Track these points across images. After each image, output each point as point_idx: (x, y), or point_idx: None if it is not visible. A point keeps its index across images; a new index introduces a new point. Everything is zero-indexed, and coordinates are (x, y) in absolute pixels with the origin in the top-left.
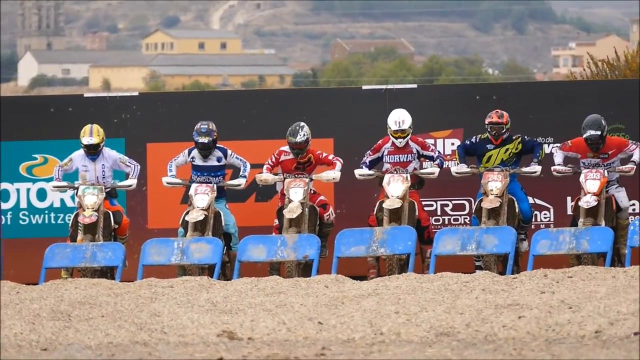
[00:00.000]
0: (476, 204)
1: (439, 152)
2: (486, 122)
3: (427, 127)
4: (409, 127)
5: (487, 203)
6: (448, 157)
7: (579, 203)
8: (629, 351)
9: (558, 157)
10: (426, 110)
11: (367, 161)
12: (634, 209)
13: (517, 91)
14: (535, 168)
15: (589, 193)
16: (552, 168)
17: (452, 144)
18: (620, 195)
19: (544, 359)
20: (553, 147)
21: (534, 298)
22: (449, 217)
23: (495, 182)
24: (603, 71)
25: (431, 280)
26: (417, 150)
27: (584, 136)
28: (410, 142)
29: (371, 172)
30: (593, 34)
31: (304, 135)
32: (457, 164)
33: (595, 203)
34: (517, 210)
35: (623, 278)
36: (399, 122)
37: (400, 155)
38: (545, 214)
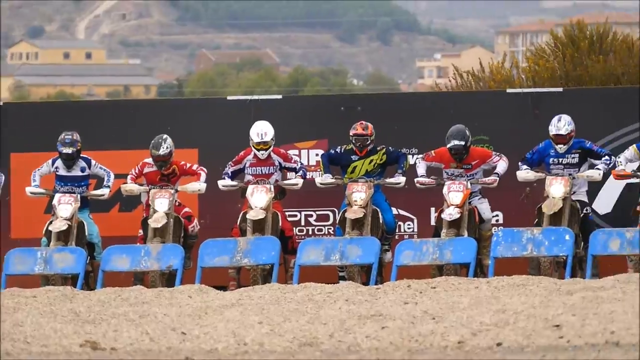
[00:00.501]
0: (340, 214)
1: (302, 164)
2: (351, 134)
3: (292, 138)
4: (271, 139)
5: (351, 213)
6: (312, 167)
7: (442, 215)
8: None
9: (421, 168)
10: (291, 121)
11: (230, 172)
12: (497, 220)
13: (381, 102)
14: (399, 179)
15: (452, 205)
16: (415, 180)
17: (317, 154)
18: (483, 206)
19: None
20: (417, 158)
21: (397, 308)
22: (313, 227)
23: (359, 193)
24: (468, 82)
25: (295, 291)
26: (280, 163)
27: (448, 146)
28: (272, 154)
29: (234, 183)
30: (458, 45)
31: (167, 147)
32: (322, 174)
33: (458, 215)
34: (381, 221)
35: (486, 289)
36: (261, 134)
37: (262, 168)
38: (409, 224)
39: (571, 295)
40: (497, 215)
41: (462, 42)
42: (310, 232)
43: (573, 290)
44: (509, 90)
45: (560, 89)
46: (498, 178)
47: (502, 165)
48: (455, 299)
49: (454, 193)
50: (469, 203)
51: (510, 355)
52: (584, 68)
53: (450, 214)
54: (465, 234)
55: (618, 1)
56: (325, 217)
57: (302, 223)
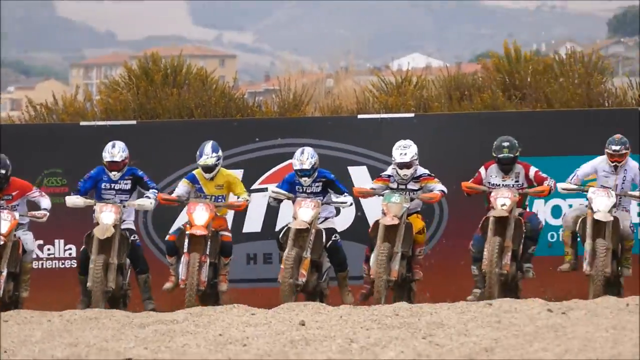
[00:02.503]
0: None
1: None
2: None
3: None
4: None
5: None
6: None
7: None
8: None
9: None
10: None
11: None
12: None
13: None
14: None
15: None
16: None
17: None
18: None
19: None
20: None
21: None
22: None
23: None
24: (41, 114)
25: None
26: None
27: None
28: None
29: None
30: (33, 77)
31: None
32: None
33: None
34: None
35: (58, 322)
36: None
37: None
38: None
39: (143, 328)
40: None
41: (36, 74)
42: None
43: (146, 323)
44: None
45: (134, 122)
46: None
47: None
48: (27, 332)
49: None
50: None
51: None
52: (158, 101)
53: None
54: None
55: (194, 34)
56: None
57: None
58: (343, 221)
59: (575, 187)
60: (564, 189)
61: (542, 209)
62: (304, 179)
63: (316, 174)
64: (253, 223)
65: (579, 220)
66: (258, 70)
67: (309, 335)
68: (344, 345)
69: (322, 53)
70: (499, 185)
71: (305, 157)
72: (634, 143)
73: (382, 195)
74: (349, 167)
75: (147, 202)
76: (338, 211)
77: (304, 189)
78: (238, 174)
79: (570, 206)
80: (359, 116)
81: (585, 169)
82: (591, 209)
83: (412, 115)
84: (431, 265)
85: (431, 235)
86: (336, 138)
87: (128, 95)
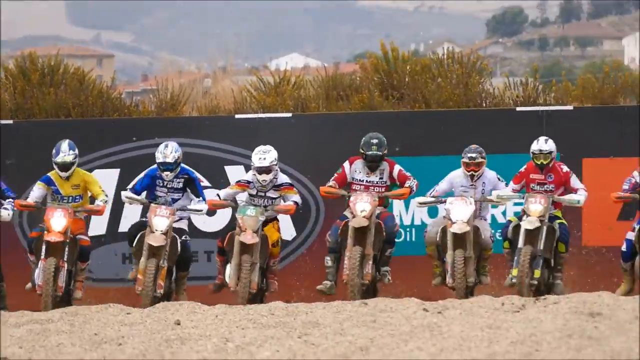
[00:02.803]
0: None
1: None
2: None
3: None
4: None
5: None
6: None
7: None
8: None
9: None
10: None
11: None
12: None
13: None
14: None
15: None
16: None
17: None
18: None
19: None
20: None
21: None
22: None
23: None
24: None
25: None
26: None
27: None
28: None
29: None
30: None
31: None
32: None
33: None
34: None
35: None
36: None
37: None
38: None
39: (18, 327)
40: None
41: None
42: None
43: (20, 322)
44: None
45: (11, 121)
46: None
47: None
48: None
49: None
50: None
51: None
52: (35, 100)
53: None
54: None
55: (72, 34)
56: None
57: None
58: (221, 219)
59: (432, 199)
60: (421, 203)
61: None
62: (166, 172)
63: (179, 169)
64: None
65: (439, 232)
66: (136, 70)
67: (185, 335)
68: (219, 345)
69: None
70: (363, 181)
71: (169, 151)
72: (514, 143)
73: (236, 207)
74: (226, 167)
75: (5, 213)
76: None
77: (165, 184)
78: (115, 173)
79: (504, 213)
80: (237, 116)
81: (442, 185)
82: (450, 219)
83: (289, 115)
84: (306, 264)
85: (308, 234)
86: (213, 138)
87: (5, 95)
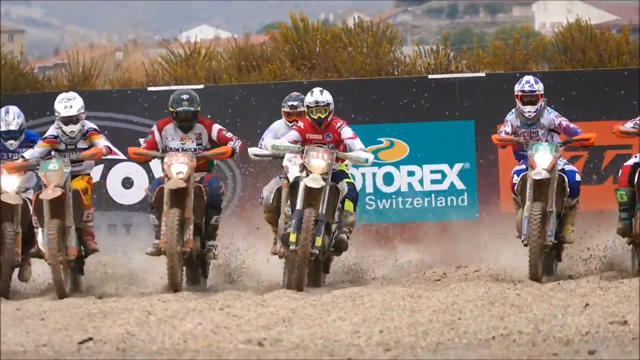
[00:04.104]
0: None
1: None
2: None
3: None
4: None
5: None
6: None
7: None
8: None
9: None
10: None
11: None
12: None
13: None
14: None
15: None
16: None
17: None
18: None
19: None
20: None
21: None
22: None
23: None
24: None
25: None
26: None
27: None
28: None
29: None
30: None
31: None
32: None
33: None
34: None
35: None
36: None
37: None
38: None
39: None
40: None
41: None
42: None
43: None
44: None
45: None
46: None
47: None
48: None
49: None
50: None
51: None
52: None
53: None
54: None
55: None
56: None
57: None
58: None
59: (267, 152)
60: (255, 155)
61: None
62: (10, 141)
63: (23, 136)
64: None
65: (282, 189)
66: (48, 44)
67: (107, 308)
68: (141, 318)
69: (111, 26)
70: (179, 150)
71: (11, 118)
72: (427, 111)
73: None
74: (141, 140)
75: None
76: None
77: (9, 156)
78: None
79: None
80: (149, 88)
81: (268, 135)
82: (287, 178)
83: (201, 86)
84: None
85: (229, 200)
86: (126, 110)
87: None
